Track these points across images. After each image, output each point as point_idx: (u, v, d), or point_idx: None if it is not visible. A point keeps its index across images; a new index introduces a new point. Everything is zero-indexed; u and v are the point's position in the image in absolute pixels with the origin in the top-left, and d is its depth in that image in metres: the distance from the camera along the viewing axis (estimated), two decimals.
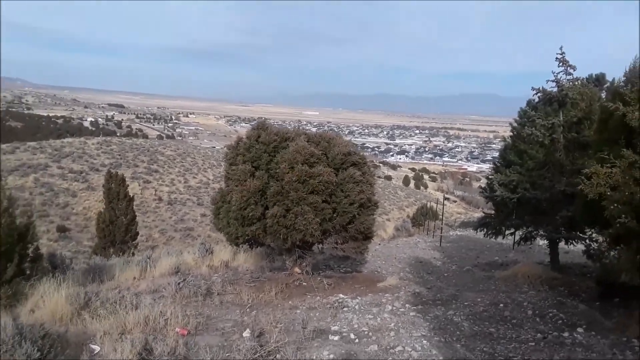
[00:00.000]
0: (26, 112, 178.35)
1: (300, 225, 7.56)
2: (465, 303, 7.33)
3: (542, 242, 13.10)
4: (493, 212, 14.07)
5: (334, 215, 7.92)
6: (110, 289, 8.44)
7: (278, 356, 5.02)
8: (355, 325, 6.09)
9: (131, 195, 40.02)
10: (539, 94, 9.46)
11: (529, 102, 14.41)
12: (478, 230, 11.08)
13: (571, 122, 9.16)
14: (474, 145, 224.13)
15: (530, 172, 9.43)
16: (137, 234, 21.09)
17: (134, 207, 42.01)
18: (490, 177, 10.84)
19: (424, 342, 5.46)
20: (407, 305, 7.07)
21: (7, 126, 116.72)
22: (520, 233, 10.72)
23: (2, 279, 6.99)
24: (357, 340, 5.55)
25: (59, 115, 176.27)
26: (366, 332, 5.82)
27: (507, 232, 10.81)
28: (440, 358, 5.03)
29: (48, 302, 6.72)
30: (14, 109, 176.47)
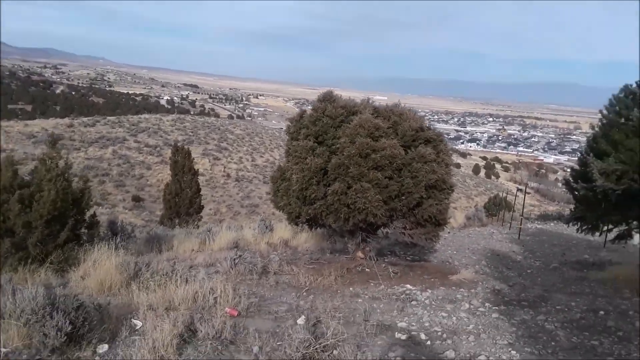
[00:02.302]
0: (107, 89, 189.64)
1: (361, 203, 6.77)
2: (558, 307, 6.22)
3: (637, 242, 11.48)
4: (573, 206, 12.58)
5: (400, 196, 7.04)
6: (166, 259, 8.14)
7: (335, 352, 4.30)
8: (427, 324, 5.24)
9: (201, 170, 41.21)
10: None
11: (625, 87, 12.64)
12: (570, 224, 9.73)
13: None
14: (552, 135, 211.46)
15: (638, 161, 7.98)
16: (202, 206, 21.27)
17: (205, 182, 43.27)
18: (588, 164, 9.44)
19: (512, 352, 4.51)
20: (486, 304, 6.09)
21: (90, 101, 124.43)
22: (618, 230, 9.27)
23: (55, 244, 6.80)
24: (428, 343, 4.70)
25: (137, 93, 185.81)
26: (439, 334, 4.95)
27: (605, 227, 9.39)
28: None
29: (100, 269, 6.44)
30: (96, 86, 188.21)
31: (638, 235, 9.03)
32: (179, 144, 23.05)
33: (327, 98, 7.96)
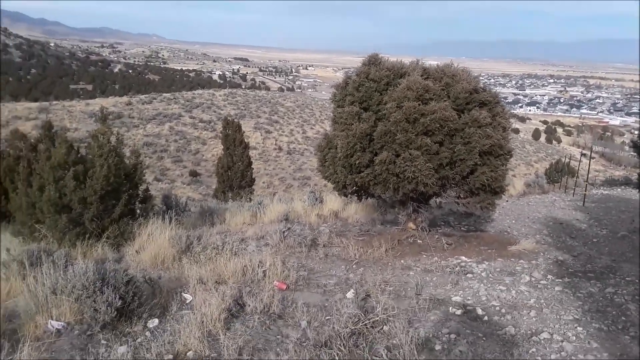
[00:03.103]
0: (162, 66, 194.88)
1: (410, 172, 6.45)
2: (627, 279, 5.73)
3: None
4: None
5: (452, 163, 6.65)
6: (218, 232, 8.23)
7: (385, 328, 4.14)
8: (483, 298, 4.95)
9: (253, 144, 41.62)
10: None
11: None
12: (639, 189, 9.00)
13: None
14: (618, 96, 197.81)
15: None
16: (253, 179, 21.54)
17: (257, 155, 43.86)
18: None
19: (579, 329, 4.16)
20: (549, 276, 5.69)
21: (146, 79, 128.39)
22: None
23: (110, 218, 6.99)
24: (486, 318, 4.43)
25: (190, 69, 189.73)
26: (498, 308, 4.66)
27: None
28: (605, 356, 3.74)
29: (153, 243, 6.58)
30: (151, 63, 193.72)
31: None
32: (229, 118, 23.32)
33: (372, 61, 7.57)
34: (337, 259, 6.70)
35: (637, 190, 10.32)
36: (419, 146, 6.50)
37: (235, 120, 22.54)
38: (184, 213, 9.97)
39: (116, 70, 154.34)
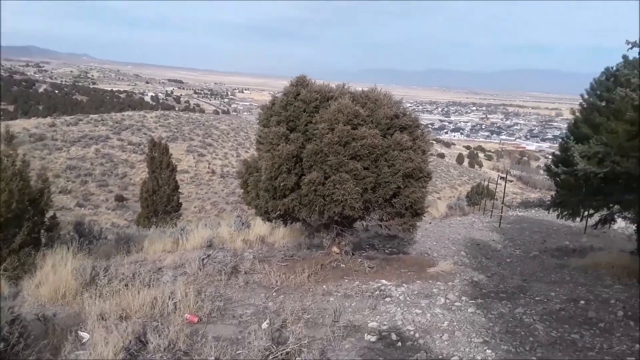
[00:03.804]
0: (91, 86, 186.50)
1: (339, 195, 6.43)
2: (537, 298, 5.97)
3: (618, 227, 11.38)
4: (554, 192, 12.43)
5: (377, 186, 6.72)
6: (133, 262, 7.74)
7: (298, 359, 3.97)
8: (399, 322, 4.93)
9: (185, 167, 40.30)
10: (635, 48, 7.69)
11: (606, 70, 12.50)
12: (550, 210, 9.52)
13: None
14: (534, 123, 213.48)
15: (620, 143, 7.77)
16: (180, 204, 20.76)
17: (189, 179, 42.44)
18: (569, 148, 9.23)
19: (488, 351, 4.21)
20: (463, 297, 5.80)
21: (74, 99, 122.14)
22: (599, 215, 9.10)
23: (9, 249, 6.35)
24: (399, 344, 4.39)
25: (121, 90, 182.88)
26: (412, 333, 4.64)
27: (585, 213, 9.22)
28: None
29: (56, 275, 6.02)
30: (80, 84, 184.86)
31: (620, 219, 8.86)
32: (156, 140, 22.48)
33: (300, 82, 7.56)
34: (257, 287, 6.48)
35: (548, 211, 10.97)
36: (349, 169, 6.50)
37: (162, 142, 21.74)
38: (99, 241, 9.31)
39: (41, 90, 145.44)
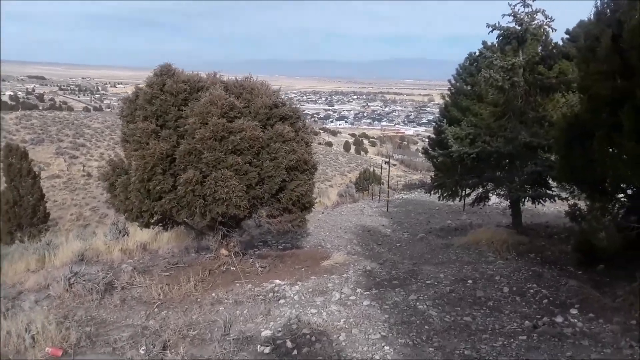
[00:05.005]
0: None
1: (222, 193, 5.90)
2: (427, 282, 6.04)
3: (493, 202, 12.25)
4: (433, 173, 13.17)
5: (261, 182, 6.32)
6: None
7: None
8: (294, 327, 4.59)
9: (56, 172, 36.36)
10: (495, 30, 8.18)
11: (469, 56, 13.41)
12: (432, 192, 9.91)
13: (533, 61, 8.00)
14: (410, 109, 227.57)
15: (488, 123, 8.26)
16: (48, 214, 18.66)
17: (62, 185, 38.36)
18: (442, 130, 9.64)
19: (386, 348, 4.06)
20: (358, 289, 5.66)
21: None
22: (476, 193, 9.67)
23: None
24: (295, 352, 4.06)
25: None
26: (308, 337, 4.33)
27: (463, 192, 9.73)
28: None
29: None
30: None
31: (495, 196, 9.45)
32: (11, 144, 19.79)
33: (165, 72, 6.82)
34: (137, 303, 5.78)
35: (429, 194, 11.47)
36: (229, 165, 5.98)
37: (19, 146, 19.19)
38: None
39: None
